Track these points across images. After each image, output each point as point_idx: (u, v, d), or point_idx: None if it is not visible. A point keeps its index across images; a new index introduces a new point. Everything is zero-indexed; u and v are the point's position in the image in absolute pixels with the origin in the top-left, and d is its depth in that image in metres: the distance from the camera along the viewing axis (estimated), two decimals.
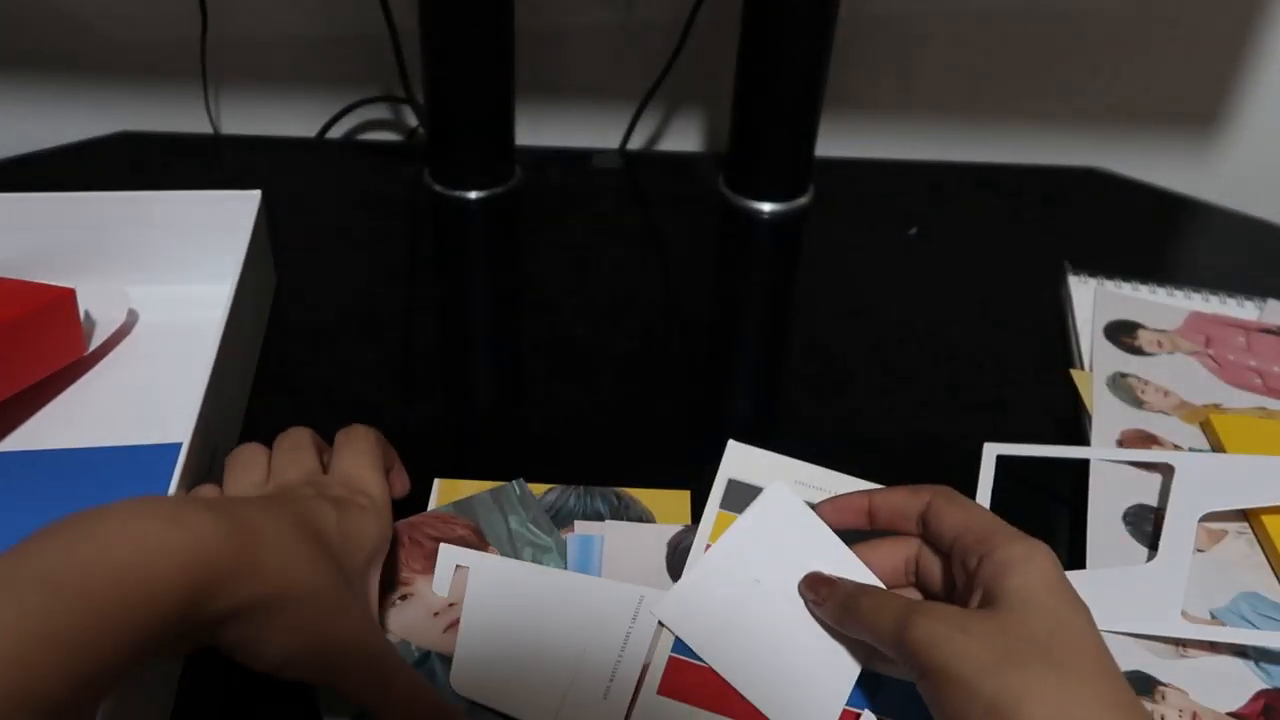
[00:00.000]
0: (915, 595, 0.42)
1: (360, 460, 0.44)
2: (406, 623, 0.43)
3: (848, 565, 0.43)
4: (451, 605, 0.44)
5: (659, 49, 0.79)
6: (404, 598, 0.44)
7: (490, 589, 0.45)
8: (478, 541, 0.46)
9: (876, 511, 0.43)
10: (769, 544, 0.45)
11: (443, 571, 0.45)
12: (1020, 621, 0.34)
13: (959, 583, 0.39)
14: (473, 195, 0.75)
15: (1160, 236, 0.77)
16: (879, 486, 0.45)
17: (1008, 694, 0.32)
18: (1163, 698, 0.42)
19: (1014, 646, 0.33)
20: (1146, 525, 0.50)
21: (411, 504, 0.49)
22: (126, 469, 0.49)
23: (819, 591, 0.42)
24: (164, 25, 0.80)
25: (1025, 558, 0.36)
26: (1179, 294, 0.66)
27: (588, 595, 0.44)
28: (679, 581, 0.44)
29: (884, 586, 0.43)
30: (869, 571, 0.43)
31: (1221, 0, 0.79)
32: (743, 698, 0.41)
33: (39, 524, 0.45)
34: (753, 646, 0.42)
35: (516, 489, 0.49)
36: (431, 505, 0.49)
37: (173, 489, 0.41)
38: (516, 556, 0.46)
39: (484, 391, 0.62)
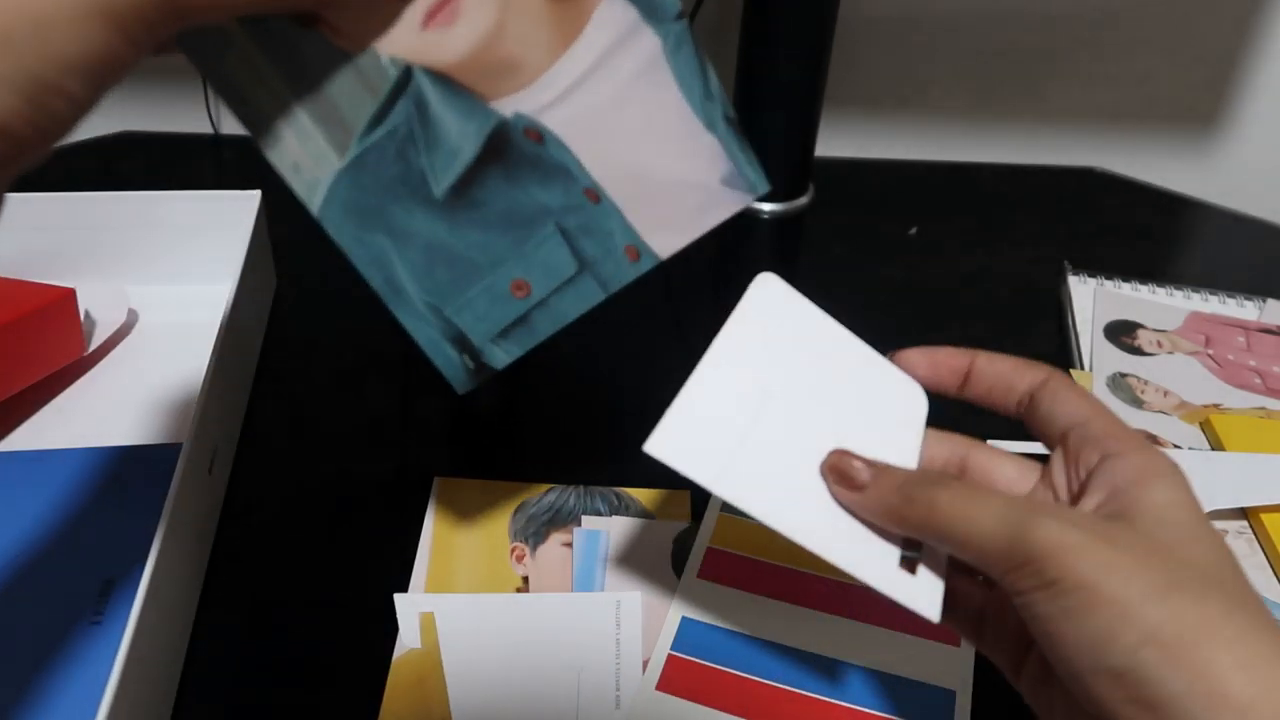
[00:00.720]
0: None
1: None
2: (359, 14, 0.28)
3: (876, 367, 0.35)
4: None
5: None
6: None
7: (464, 632, 0.43)
8: None
9: (977, 375, 0.35)
10: (772, 349, 0.34)
11: (407, 621, 0.43)
12: (1177, 543, 0.27)
13: (1067, 482, 0.32)
14: None
15: (1160, 236, 0.77)
16: (981, 353, 0.36)
17: (1179, 625, 0.25)
18: None
19: (1178, 571, 0.27)
20: None
21: (412, 505, 0.49)
22: (126, 469, 0.49)
23: (853, 476, 0.31)
24: None
25: (1165, 471, 0.29)
26: (1179, 294, 0.66)
27: (564, 613, 0.44)
28: (669, 411, 0.32)
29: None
30: (907, 378, 0.34)
31: (1221, 0, 0.79)
32: (741, 692, 0.41)
33: (39, 524, 0.45)
34: (780, 472, 0.31)
35: None
36: (431, 505, 0.49)
37: (173, 489, 0.41)
38: None
39: (484, 391, 0.61)
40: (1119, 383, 0.58)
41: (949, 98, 0.85)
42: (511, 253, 0.31)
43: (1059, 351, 0.63)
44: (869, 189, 0.80)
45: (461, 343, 0.32)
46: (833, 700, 0.41)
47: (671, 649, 0.42)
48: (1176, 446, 0.54)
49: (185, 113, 0.83)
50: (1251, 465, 0.51)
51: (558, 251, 0.32)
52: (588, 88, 0.30)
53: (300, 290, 0.65)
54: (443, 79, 0.29)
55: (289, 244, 0.66)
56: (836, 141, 0.82)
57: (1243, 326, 0.63)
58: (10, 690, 0.39)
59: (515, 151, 0.30)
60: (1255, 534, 0.49)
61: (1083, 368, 0.60)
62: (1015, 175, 0.83)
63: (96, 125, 0.82)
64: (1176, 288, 0.67)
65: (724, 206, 0.34)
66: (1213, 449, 0.54)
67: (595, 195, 0.31)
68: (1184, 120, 0.86)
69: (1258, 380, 0.59)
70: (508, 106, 0.30)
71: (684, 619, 0.44)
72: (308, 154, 0.28)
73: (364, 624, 0.44)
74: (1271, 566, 0.48)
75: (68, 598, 0.42)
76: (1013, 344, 0.65)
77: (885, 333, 0.65)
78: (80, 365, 0.55)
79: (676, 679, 0.41)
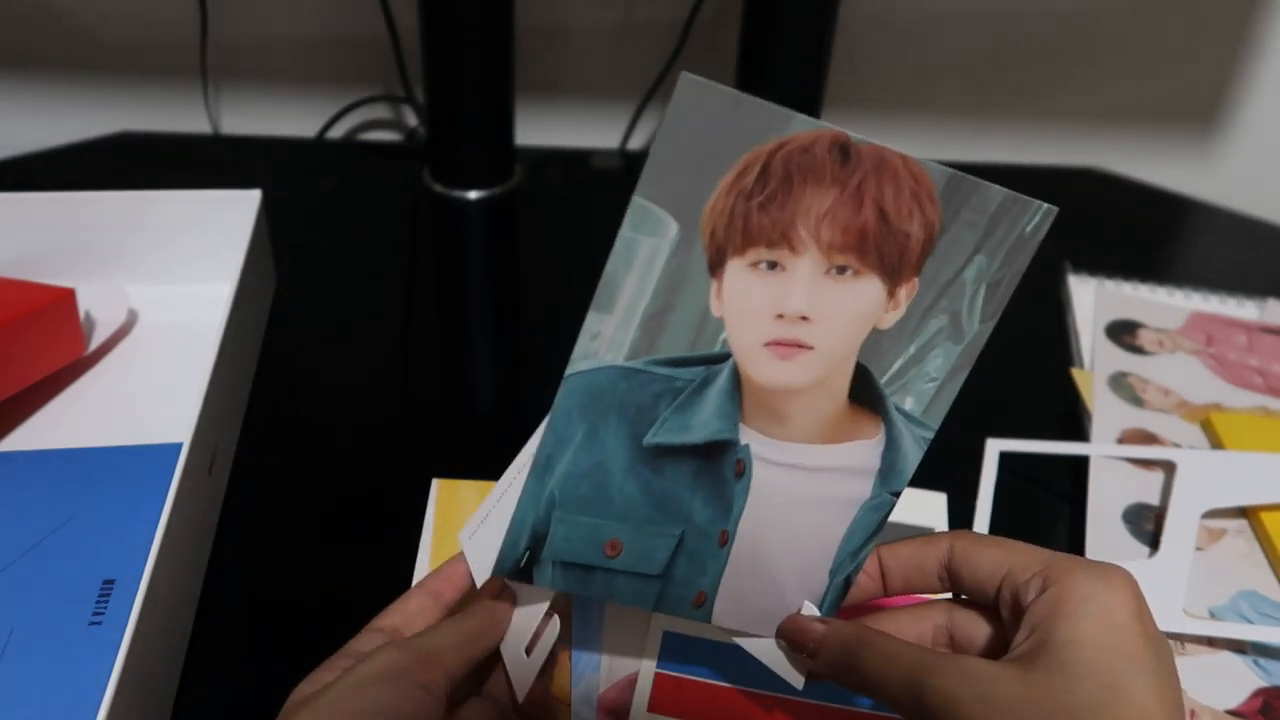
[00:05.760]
0: None
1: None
2: (744, 302, 0.32)
3: None
4: (804, 320, 0.32)
5: (659, 49, 0.79)
6: (773, 266, 0.31)
7: None
8: (914, 257, 0.32)
9: (889, 572, 0.35)
10: None
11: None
12: (1063, 687, 0.28)
13: (1010, 631, 0.32)
14: (473, 195, 0.75)
15: (1160, 236, 0.77)
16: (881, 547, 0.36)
17: None
18: None
19: (1063, 716, 0.27)
20: (1146, 524, 0.50)
21: (412, 505, 0.49)
22: (126, 469, 0.49)
23: (808, 640, 0.35)
24: (164, 25, 0.80)
25: (1085, 597, 0.29)
26: (1179, 293, 0.66)
27: None
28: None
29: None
30: None
31: (1221, 0, 0.79)
32: (734, 704, 0.40)
33: (39, 524, 0.45)
34: None
35: (1037, 220, 0.34)
36: (431, 506, 0.49)
37: (173, 489, 0.41)
38: (921, 321, 0.33)
39: (484, 391, 0.62)
40: (1120, 382, 0.58)
41: (949, 98, 0.85)
42: (637, 520, 0.34)
43: (1059, 351, 0.63)
44: None
45: (535, 543, 0.34)
46: (827, 704, 0.41)
47: (658, 667, 0.41)
48: (1177, 445, 0.54)
49: (185, 113, 0.83)
50: (1252, 464, 0.51)
51: (662, 550, 0.34)
52: (801, 477, 0.34)
53: (300, 290, 0.65)
54: (736, 383, 0.32)
55: (289, 244, 0.66)
56: None
57: (1243, 326, 0.63)
58: (10, 690, 0.39)
59: (717, 465, 0.33)
60: (1255, 533, 0.49)
61: (1083, 367, 0.60)
62: (1015, 175, 0.83)
63: (96, 125, 0.82)
64: (1177, 287, 0.67)
65: (775, 625, 0.37)
66: (1213, 448, 0.54)
67: (725, 539, 0.34)
68: (1184, 120, 0.86)
69: (1258, 379, 0.59)
70: (748, 436, 0.33)
71: (665, 633, 0.43)
72: (612, 336, 0.31)
73: (365, 624, 0.44)
74: (1271, 566, 0.48)
75: (68, 598, 0.42)
76: (1014, 343, 0.65)
77: None
78: (80, 365, 0.55)
79: (667, 698, 0.41)
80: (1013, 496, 0.51)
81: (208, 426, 0.46)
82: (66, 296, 0.54)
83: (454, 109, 0.73)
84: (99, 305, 0.58)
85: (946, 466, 0.52)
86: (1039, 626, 0.29)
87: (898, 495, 0.35)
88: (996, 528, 0.49)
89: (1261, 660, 0.44)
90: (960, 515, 0.50)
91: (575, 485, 0.33)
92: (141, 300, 0.60)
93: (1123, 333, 0.62)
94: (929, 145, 0.86)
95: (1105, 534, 0.49)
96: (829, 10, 0.68)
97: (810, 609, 0.36)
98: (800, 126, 0.29)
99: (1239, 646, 0.44)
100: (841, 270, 0.31)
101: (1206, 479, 0.50)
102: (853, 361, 0.33)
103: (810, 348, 0.32)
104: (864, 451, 0.34)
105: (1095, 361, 0.60)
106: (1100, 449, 0.53)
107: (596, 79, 0.83)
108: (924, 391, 0.34)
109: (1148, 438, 0.55)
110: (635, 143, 0.85)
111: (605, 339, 0.31)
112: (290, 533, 0.49)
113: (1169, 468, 0.52)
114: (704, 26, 0.78)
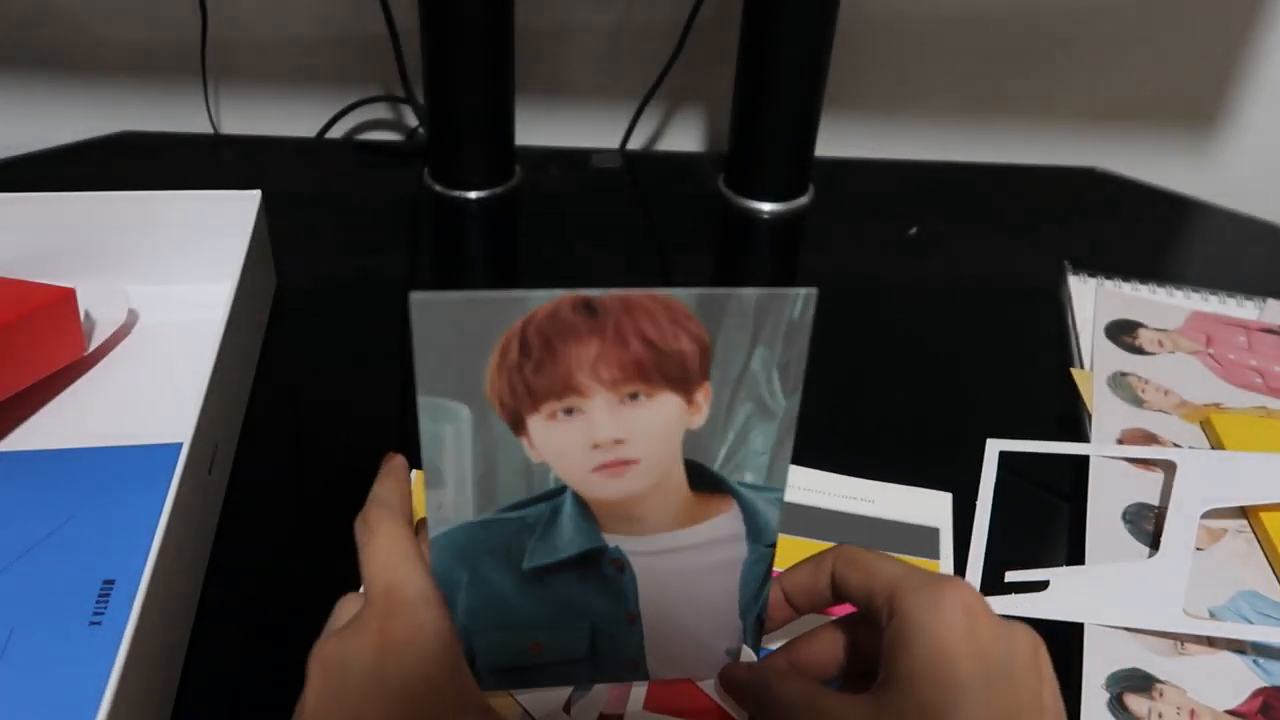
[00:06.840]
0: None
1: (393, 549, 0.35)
2: (557, 445, 0.34)
3: None
4: (619, 443, 0.34)
5: (659, 49, 0.79)
6: (569, 411, 0.33)
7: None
8: (695, 367, 0.33)
9: (792, 599, 0.38)
10: None
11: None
12: (898, 712, 0.30)
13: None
14: (473, 195, 0.75)
15: (1160, 236, 0.77)
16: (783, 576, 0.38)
17: None
18: (1160, 695, 0.42)
19: None
20: (1145, 524, 0.50)
21: None
22: (126, 469, 0.49)
23: (733, 688, 0.38)
24: (164, 25, 0.80)
25: (916, 628, 0.31)
26: (1179, 293, 0.66)
27: None
28: None
29: None
30: None
31: (1221, 0, 0.79)
32: (732, 710, 0.40)
33: (39, 524, 0.45)
34: None
35: (801, 305, 0.33)
36: None
37: (173, 489, 0.41)
38: (728, 413, 0.34)
39: None
40: (1120, 381, 0.58)
41: (949, 98, 0.85)
42: (547, 624, 0.37)
43: (1059, 351, 0.63)
44: (869, 189, 0.80)
45: (469, 663, 0.36)
46: None
47: None
48: (1177, 445, 0.54)
49: (185, 113, 0.83)
50: (1251, 464, 0.51)
51: (580, 638, 0.38)
52: (677, 557, 0.37)
53: (300, 290, 0.65)
54: (582, 503, 0.35)
55: (289, 244, 0.66)
56: (836, 141, 0.82)
57: (1243, 326, 0.63)
58: (10, 690, 0.39)
59: (598, 569, 0.36)
60: (1255, 533, 0.49)
61: (1083, 367, 0.60)
62: (1015, 175, 0.83)
63: (96, 125, 0.82)
64: (1177, 287, 0.67)
65: (715, 667, 0.40)
66: (1213, 448, 0.54)
67: (634, 618, 0.38)
68: (1184, 120, 0.86)
69: (1258, 379, 0.59)
70: (613, 540, 0.36)
71: None
72: (454, 503, 0.34)
73: None
74: (1271, 566, 0.48)
75: (67, 598, 0.42)
76: (1014, 343, 0.65)
77: (886, 334, 0.66)
78: (80, 365, 0.55)
79: (663, 696, 0.40)
80: (1013, 496, 0.51)
81: (208, 426, 0.46)
82: (66, 296, 0.54)
83: (454, 109, 0.73)
84: (99, 305, 0.58)
85: (947, 466, 0.52)
86: (885, 659, 0.32)
87: (773, 546, 0.37)
88: (996, 528, 0.49)
89: (1261, 660, 0.44)
90: (960, 515, 0.50)
91: (480, 614, 0.36)
92: (141, 300, 0.60)
93: (1123, 333, 0.62)
94: (929, 146, 0.86)
95: (1105, 534, 0.49)
96: (829, 10, 0.68)
97: (748, 654, 0.39)
98: (538, 301, 0.31)
99: (1239, 646, 0.44)
100: (634, 396, 0.33)
101: (1206, 479, 0.50)
102: (680, 462, 0.35)
103: (635, 461, 0.34)
104: (726, 523, 0.37)
105: (1095, 361, 0.60)
106: (1100, 449, 0.53)
107: (596, 79, 0.83)
108: (759, 464, 0.36)
109: (1148, 438, 0.55)
110: (635, 143, 0.85)
111: (449, 506, 0.34)
112: (290, 533, 0.49)
113: (1169, 468, 0.52)
114: (704, 26, 0.78)
